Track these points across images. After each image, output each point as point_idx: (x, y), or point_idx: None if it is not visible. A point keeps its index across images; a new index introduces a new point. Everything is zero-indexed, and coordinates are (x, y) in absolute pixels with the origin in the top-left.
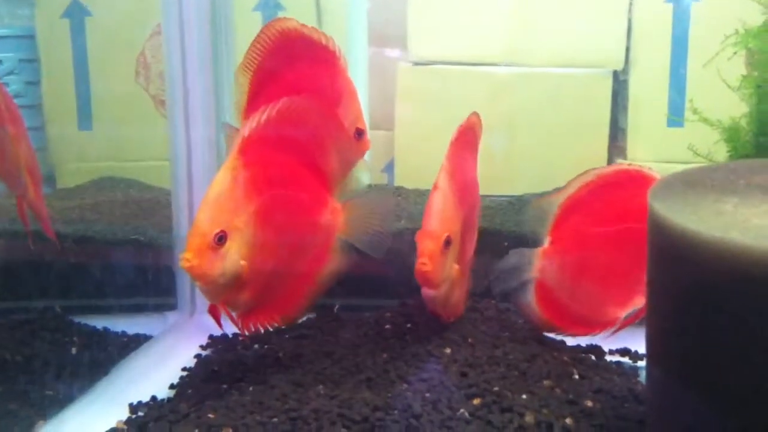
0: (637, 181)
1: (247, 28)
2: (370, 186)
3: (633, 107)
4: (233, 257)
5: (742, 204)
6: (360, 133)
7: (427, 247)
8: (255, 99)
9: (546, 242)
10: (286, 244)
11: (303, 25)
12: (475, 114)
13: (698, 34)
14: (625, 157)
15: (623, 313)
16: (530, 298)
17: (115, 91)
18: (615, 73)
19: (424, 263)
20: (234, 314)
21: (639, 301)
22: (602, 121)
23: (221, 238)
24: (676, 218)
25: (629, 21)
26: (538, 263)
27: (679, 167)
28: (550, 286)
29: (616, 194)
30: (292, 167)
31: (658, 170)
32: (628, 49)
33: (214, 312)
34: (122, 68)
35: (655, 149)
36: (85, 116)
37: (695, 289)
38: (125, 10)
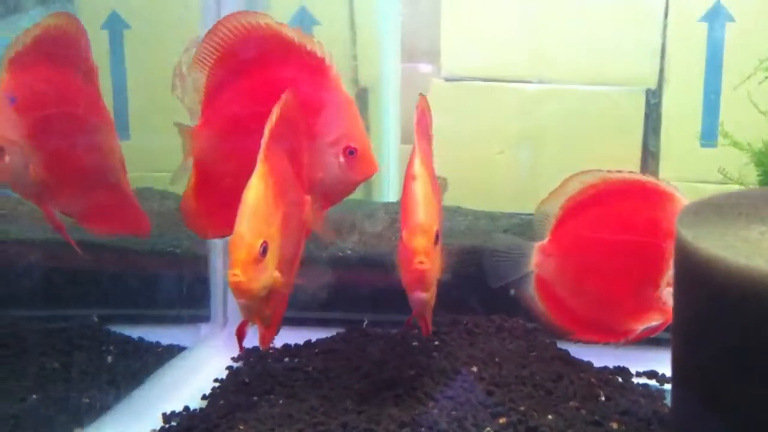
0: (650, 194)
1: None
2: None
3: (666, 127)
4: (271, 269)
5: None
6: (352, 152)
7: (420, 243)
8: (212, 101)
9: (545, 240)
10: (290, 248)
11: (282, 24)
12: (423, 96)
13: (733, 53)
14: (657, 176)
15: (637, 326)
16: (533, 294)
17: (152, 102)
18: (648, 92)
19: (422, 262)
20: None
21: (653, 318)
22: (634, 140)
23: (265, 250)
24: (703, 244)
25: (663, 39)
26: (535, 257)
27: (712, 188)
28: (551, 283)
29: (624, 203)
30: (289, 168)
31: (680, 188)
32: (661, 68)
33: (241, 332)
34: (159, 80)
35: (688, 169)
36: (122, 126)
37: (720, 315)
38: (163, 24)
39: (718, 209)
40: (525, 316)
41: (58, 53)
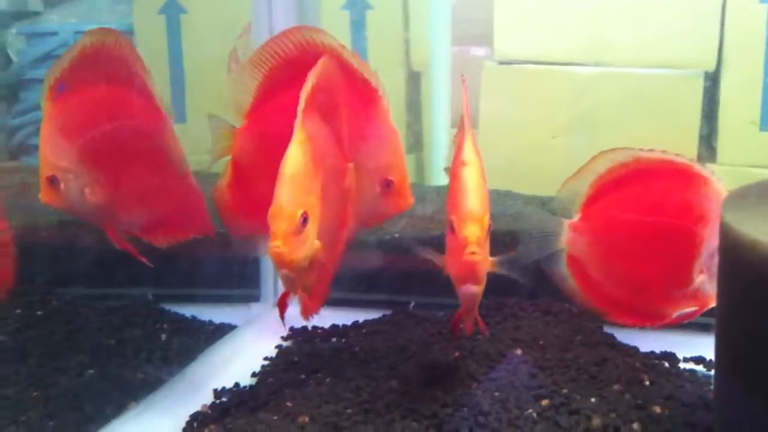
0: (684, 176)
1: (335, 26)
2: None
3: (724, 110)
4: (312, 238)
5: None
6: (388, 185)
7: (472, 232)
8: (260, 106)
9: (576, 217)
10: (332, 215)
11: (343, 46)
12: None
13: None
14: (715, 161)
15: (670, 312)
16: (564, 272)
17: (208, 86)
18: (706, 74)
19: (474, 252)
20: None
21: (686, 304)
22: (692, 124)
23: (306, 220)
24: (747, 230)
25: (722, 21)
26: (567, 235)
27: None
28: (582, 262)
29: (656, 184)
30: (329, 135)
31: (713, 171)
32: (720, 50)
33: (283, 303)
34: (215, 64)
35: (747, 153)
36: (179, 110)
37: (763, 299)
38: (219, 8)
39: (765, 194)
40: (571, 301)
41: (99, 70)
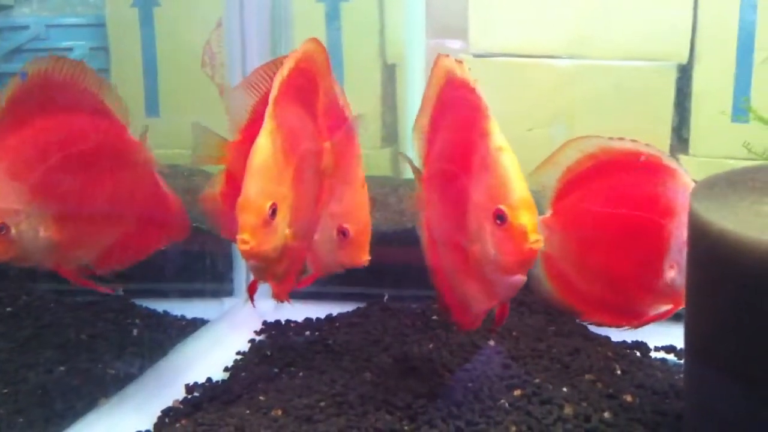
0: (653, 168)
1: (309, 19)
2: None
3: (696, 102)
4: (282, 228)
5: None
6: (344, 233)
7: (530, 219)
8: (255, 123)
9: (547, 213)
10: (307, 199)
11: (334, 80)
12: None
13: (765, 28)
14: (687, 152)
15: (646, 310)
16: (538, 272)
17: (182, 79)
18: (679, 67)
19: (537, 240)
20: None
21: (661, 300)
22: (665, 115)
23: (274, 211)
24: (715, 218)
25: (694, 14)
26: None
27: (743, 164)
28: (555, 260)
29: (626, 177)
30: (303, 117)
31: (689, 163)
32: (692, 43)
33: (253, 289)
34: (189, 57)
35: (719, 144)
36: (152, 104)
37: (733, 287)
38: (192, 1)
39: (733, 184)
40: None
41: (43, 100)
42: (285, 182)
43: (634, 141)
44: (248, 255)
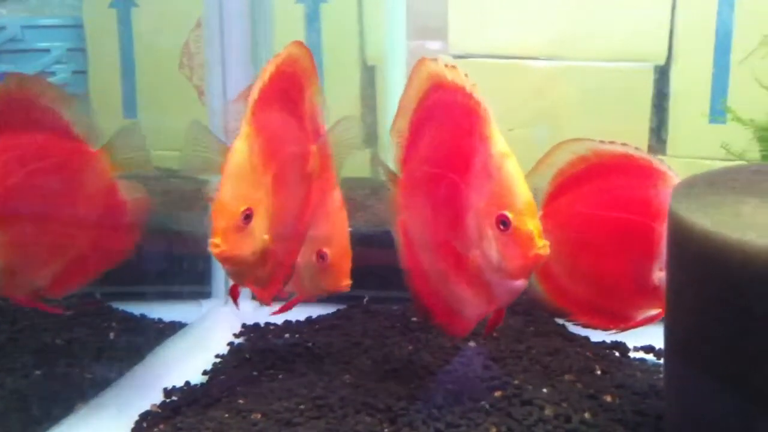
0: (644, 171)
1: (288, 20)
2: None
3: (674, 102)
4: (259, 233)
5: (762, 205)
6: (323, 257)
7: (536, 225)
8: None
9: (539, 214)
10: (291, 203)
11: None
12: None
13: (742, 29)
14: (665, 153)
15: (635, 313)
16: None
17: (159, 80)
18: (657, 68)
19: (544, 246)
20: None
21: (651, 304)
22: (644, 116)
23: (248, 216)
24: (696, 219)
25: (673, 15)
26: None
27: (720, 165)
28: (546, 261)
29: (618, 180)
30: (287, 121)
31: (681, 166)
32: (670, 44)
33: (234, 293)
34: (167, 58)
35: (696, 145)
36: (130, 105)
37: (713, 287)
38: (170, 2)
39: (713, 184)
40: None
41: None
42: (262, 187)
43: (624, 144)
44: (220, 259)
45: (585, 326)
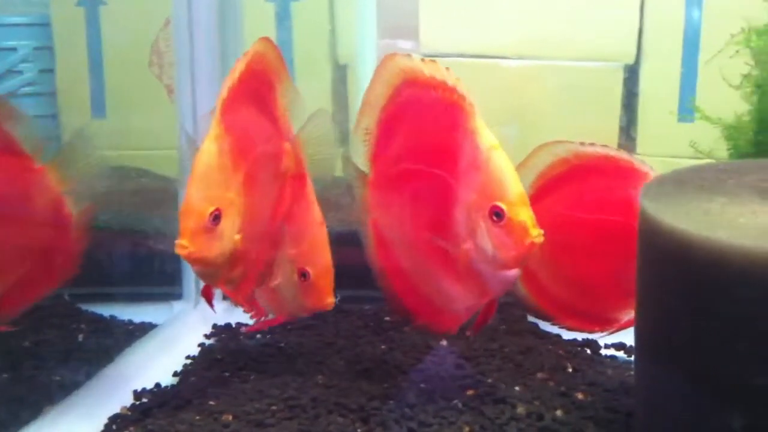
0: (625, 172)
1: (259, 18)
2: None
3: (643, 101)
4: (229, 234)
5: (730, 203)
6: (304, 275)
7: (530, 215)
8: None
9: None
10: (264, 202)
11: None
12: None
13: (710, 29)
14: (635, 151)
15: (620, 316)
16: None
17: (128, 79)
18: (627, 67)
19: (540, 234)
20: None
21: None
22: (613, 115)
23: (216, 217)
24: (666, 217)
25: (641, 15)
26: None
27: (689, 163)
28: (530, 264)
29: (599, 181)
30: (258, 119)
31: (656, 164)
32: (639, 43)
33: (207, 294)
34: (136, 57)
35: (665, 144)
36: (98, 104)
37: (682, 285)
38: (138, 0)
39: (681, 183)
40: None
41: None
42: (232, 187)
43: (605, 145)
44: (189, 261)
45: (569, 329)
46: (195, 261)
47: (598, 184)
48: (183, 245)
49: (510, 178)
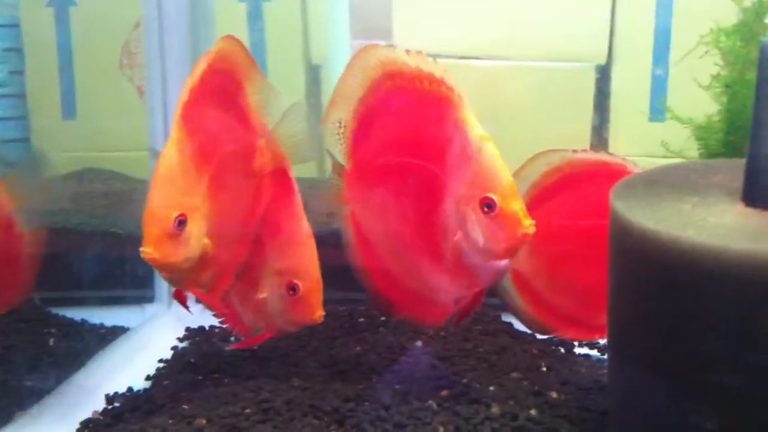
0: (618, 176)
1: (230, 19)
2: None
3: (616, 101)
4: (196, 238)
5: (700, 203)
6: (294, 289)
7: (522, 206)
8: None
9: None
10: (235, 203)
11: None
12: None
13: (681, 30)
14: (607, 151)
15: None
16: (510, 290)
17: (99, 80)
18: (598, 68)
19: (531, 225)
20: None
21: None
22: (585, 115)
23: (181, 222)
24: (636, 217)
25: (612, 15)
26: None
27: (660, 163)
28: (527, 276)
29: (593, 188)
30: (225, 119)
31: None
32: (611, 44)
33: (180, 296)
34: (107, 58)
35: (637, 143)
36: (69, 106)
37: (653, 285)
38: (109, 1)
39: (652, 183)
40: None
41: None
42: (197, 191)
43: (597, 151)
44: (156, 267)
45: (571, 340)
46: (161, 267)
47: (592, 191)
48: (147, 252)
49: (501, 170)
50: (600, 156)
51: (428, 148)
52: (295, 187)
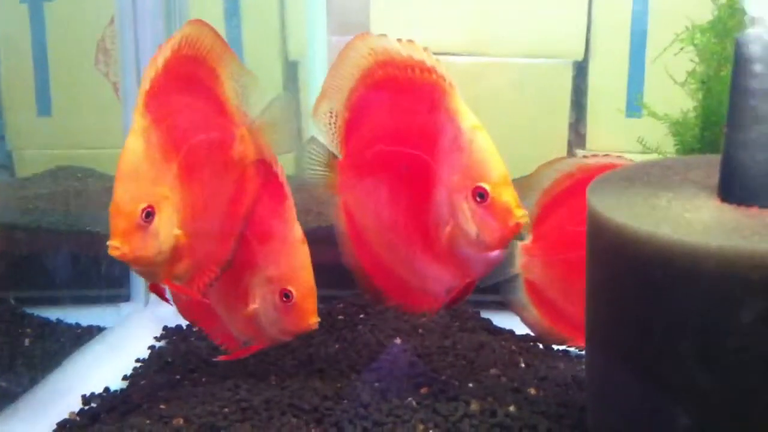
0: None
1: (207, 15)
2: None
3: (593, 98)
4: (166, 230)
5: (675, 199)
6: (287, 296)
7: (515, 195)
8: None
9: (528, 239)
10: (211, 193)
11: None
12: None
13: (657, 26)
14: (584, 147)
15: None
16: (524, 301)
17: (74, 77)
18: (575, 64)
19: (525, 214)
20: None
21: None
22: (563, 111)
23: (149, 214)
24: (612, 213)
25: (589, 12)
26: (521, 259)
27: (637, 158)
28: (541, 287)
29: None
30: (195, 106)
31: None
32: (588, 41)
33: (156, 289)
34: (82, 54)
35: (613, 139)
36: (44, 103)
37: (629, 280)
38: None
39: (628, 179)
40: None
41: None
42: (165, 181)
43: (606, 155)
44: (123, 261)
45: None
46: (131, 261)
47: None
48: (115, 246)
49: (493, 159)
50: (609, 159)
51: (420, 137)
52: (287, 190)
